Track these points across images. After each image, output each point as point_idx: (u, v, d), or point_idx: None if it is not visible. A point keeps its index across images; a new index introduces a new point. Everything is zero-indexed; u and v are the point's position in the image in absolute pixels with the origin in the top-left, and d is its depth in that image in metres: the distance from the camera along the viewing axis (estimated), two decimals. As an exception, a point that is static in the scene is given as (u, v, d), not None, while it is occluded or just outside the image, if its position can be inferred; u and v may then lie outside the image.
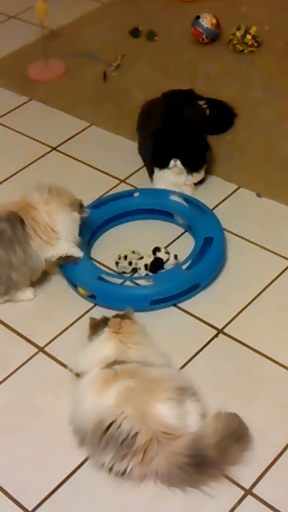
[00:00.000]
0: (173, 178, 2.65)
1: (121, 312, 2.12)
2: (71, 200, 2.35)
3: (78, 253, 2.35)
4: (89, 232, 2.50)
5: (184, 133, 2.62)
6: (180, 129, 2.63)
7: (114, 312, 2.17)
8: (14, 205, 2.32)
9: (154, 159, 2.68)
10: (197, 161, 2.66)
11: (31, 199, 2.32)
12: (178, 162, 2.60)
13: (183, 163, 2.61)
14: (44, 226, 2.28)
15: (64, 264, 2.38)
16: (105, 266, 2.47)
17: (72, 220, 2.34)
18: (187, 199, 2.59)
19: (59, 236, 2.30)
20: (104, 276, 2.36)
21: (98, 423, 1.84)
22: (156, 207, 2.61)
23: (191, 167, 2.64)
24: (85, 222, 2.41)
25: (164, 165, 2.63)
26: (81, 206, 2.38)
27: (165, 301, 2.31)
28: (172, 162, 2.60)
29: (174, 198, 2.59)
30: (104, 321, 2.08)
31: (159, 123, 2.69)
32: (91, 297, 2.34)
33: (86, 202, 2.46)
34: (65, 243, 2.32)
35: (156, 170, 2.68)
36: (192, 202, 2.58)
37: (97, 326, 2.08)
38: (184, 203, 2.57)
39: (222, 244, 2.44)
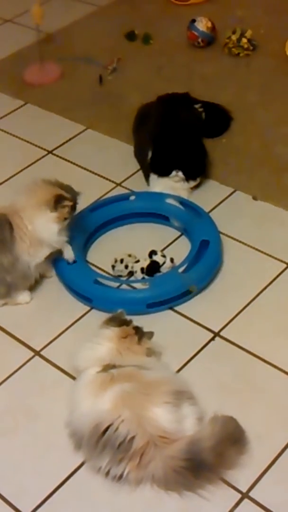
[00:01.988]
0: (170, 183, 2.65)
1: (144, 329, 2.08)
2: (45, 198, 2.25)
3: (69, 254, 2.35)
4: (85, 236, 2.50)
5: (184, 142, 2.62)
6: (179, 137, 2.62)
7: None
8: (4, 208, 2.31)
9: (154, 168, 2.67)
10: (198, 170, 2.68)
11: (16, 205, 2.29)
12: (180, 173, 2.61)
13: (184, 173, 2.61)
14: (29, 236, 2.26)
15: (56, 262, 2.37)
16: (101, 269, 2.47)
17: (48, 221, 2.25)
18: (183, 202, 2.59)
19: (42, 244, 2.29)
20: (100, 280, 2.35)
21: (95, 427, 1.84)
22: (152, 211, 2.60)
23: (191, 176, 2.65)
24: (81, 223, 2.35)
25: (164, 174, 2.63)
26: (57, 201, 2.23)
27: (162, 305, 2.31)
28: (174, 173, 2.61)
29: (170, 201, 2.59)
30: (121, 322, 2.06)
31: (155, 129, 2.69)
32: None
33: (82, 206, 2.42)
34: (48, 249, 2.30)
35: (153, 175, 2.68)
36: (188, 205, 2.58)
37: (112, 321, 2.07)
38: (180, 206, 2.57)
39: (218, 247, 2.44)
